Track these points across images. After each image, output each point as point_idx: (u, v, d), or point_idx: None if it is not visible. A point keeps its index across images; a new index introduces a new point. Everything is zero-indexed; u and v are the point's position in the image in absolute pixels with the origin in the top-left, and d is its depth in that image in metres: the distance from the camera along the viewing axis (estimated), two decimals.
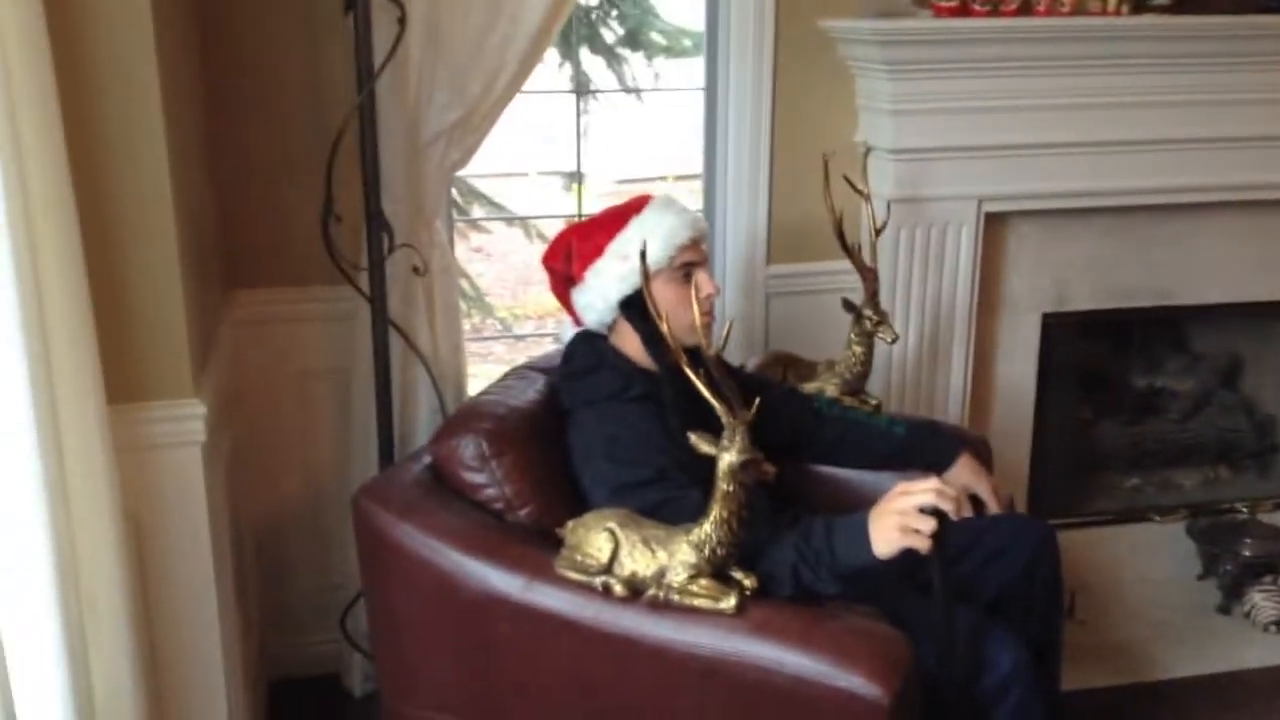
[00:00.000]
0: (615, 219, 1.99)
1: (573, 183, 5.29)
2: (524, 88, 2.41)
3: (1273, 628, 2.88)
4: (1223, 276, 3.01)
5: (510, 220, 5.22)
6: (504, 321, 5.56)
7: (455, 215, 4.41)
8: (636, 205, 2.00)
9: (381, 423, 2.36)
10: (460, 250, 5.66)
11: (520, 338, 5.29)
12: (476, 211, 5.01)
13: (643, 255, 1.69)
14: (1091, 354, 3.18)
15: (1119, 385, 3.26)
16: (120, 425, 1.70)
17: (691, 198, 2.89)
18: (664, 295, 1.89)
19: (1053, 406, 3.06)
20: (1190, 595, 3.07)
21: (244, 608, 2.35)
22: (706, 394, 1.59)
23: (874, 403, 2.46)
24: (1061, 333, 3.01)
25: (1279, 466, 3.37)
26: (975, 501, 2.16)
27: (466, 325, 4.99)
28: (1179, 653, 2.83)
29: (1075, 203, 2.82)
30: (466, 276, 5.12)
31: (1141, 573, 3.14)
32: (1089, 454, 3.26)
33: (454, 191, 4.65)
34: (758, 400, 1.59)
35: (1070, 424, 3.18)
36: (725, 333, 1.65)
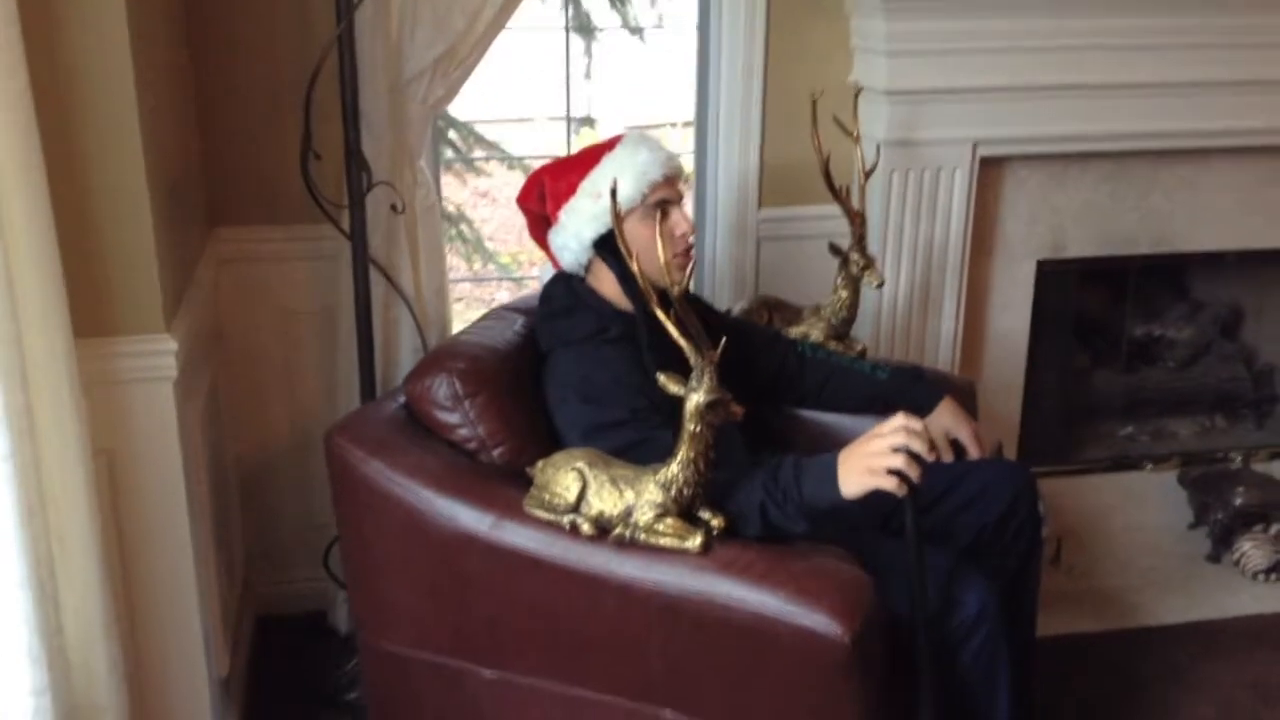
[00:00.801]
0: (587, 157, 1.96)
1: (582, 127, 5.25)
2: (522, 26, 2.36)
3: (1261, 576, 2.88)
4: (1224, 224, 2.97)
5: (511, 164, 5.18)
6: (506, 267, 5.53)
7: (452, 154, 4.39)
8: (611, 144, 1.97)
9: (363, 362, 2.35)
10: (465, 195, 5.64)
11: (520, 280, 5.26)
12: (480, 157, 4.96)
13: (613, 193, 1.66)
14: (1088, 302, 3.15)
15: (1116, 333, 3.23)
16: (89, 359, 1.70)
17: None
18: (638, 234, 1.87)
19: (1047, 354, 3.04)
20: (1180, 544, 3.06)
21: (226, 545, 2.37)
22: (674, 334, 1.58)
23: (859, 348, 2.44)
24: (1057, 280, 2.98)
25: (1276, 416, 3.34)
26: (956, 446, 2.14)
27: (466, 269, 4.98)
28: (1166, 600, 2.83)
29: (1074, 147, 2.77)
30: (466, 220, 5.10)
31: (1132, 521, 3.12)
32: (1083, 402, 3.25)
33: (454, 135, 4.63)
34: (724, 340, 1.58)
35: (1065, 372, 3.16)
36: (688, 272, 1.63)
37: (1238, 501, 2.97)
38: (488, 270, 5.21)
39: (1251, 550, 2.89)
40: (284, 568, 2.70)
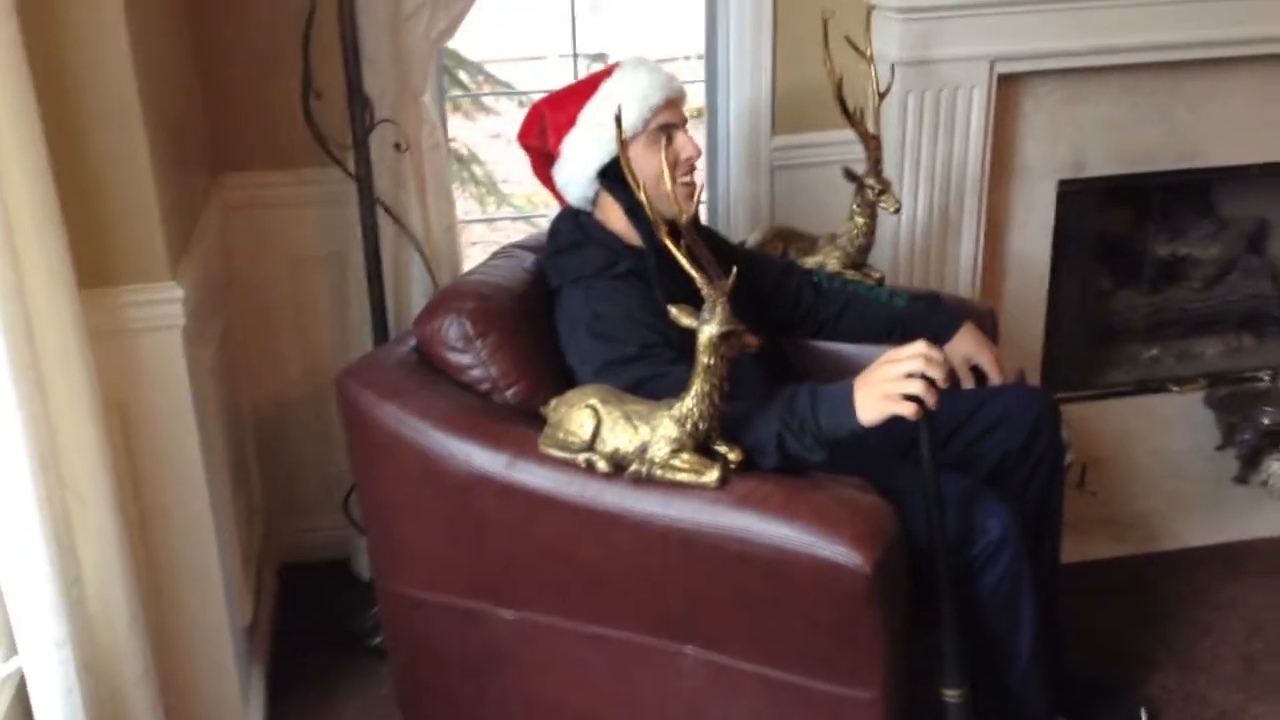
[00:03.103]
0: (586, 86, 1.91)
1: (593, 63, 5.18)
2: None
3: None
4: (1249, 136, 2.89)
5: (522, 103, 5.11)
6: (521, 209, 5.49)
7: (459, 92, 4.32)
8: (609, 71, 1.92)
9: (374, 305, 2.33)
10: (477, 136, 5.58)
11: (531, 219, 5.21)
12: (491, 97, 4.89)
13: (618, 120, 1.62)
14: (1110, 222, 3.08)
15: (1139, 253, 3.16)
16: (95, 310, 1.68)
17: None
18: (643, 161, 1.82)
19: (1069, 277, 2.99)
20: (1207, 466, 3.03)
21: (244, 493, 2.37)
22: (685, 264, 1.54)
23: (877, 276, 2.40)
24: (1079, 200, 2.92)
25: None
26: (977, 373, 2.11)
27: (480, 211, 4.93)
28: (1192, 523, 2.80)
29: (1093, 61, 2.69)
30: (479, 161, 5.04)
31: (1158, 444, 3.09)
32: (1107, 325, 3.19)
33: (465, 76, 4.56)
34: (735, 270, 1.54)
35: (1087, 294, 3.11)
36: (695, 199, 1.58)
37: (1266, 421, 2.93)
38: (501, 213, 5.16)
39: None
40: (305, 515, 2.71)
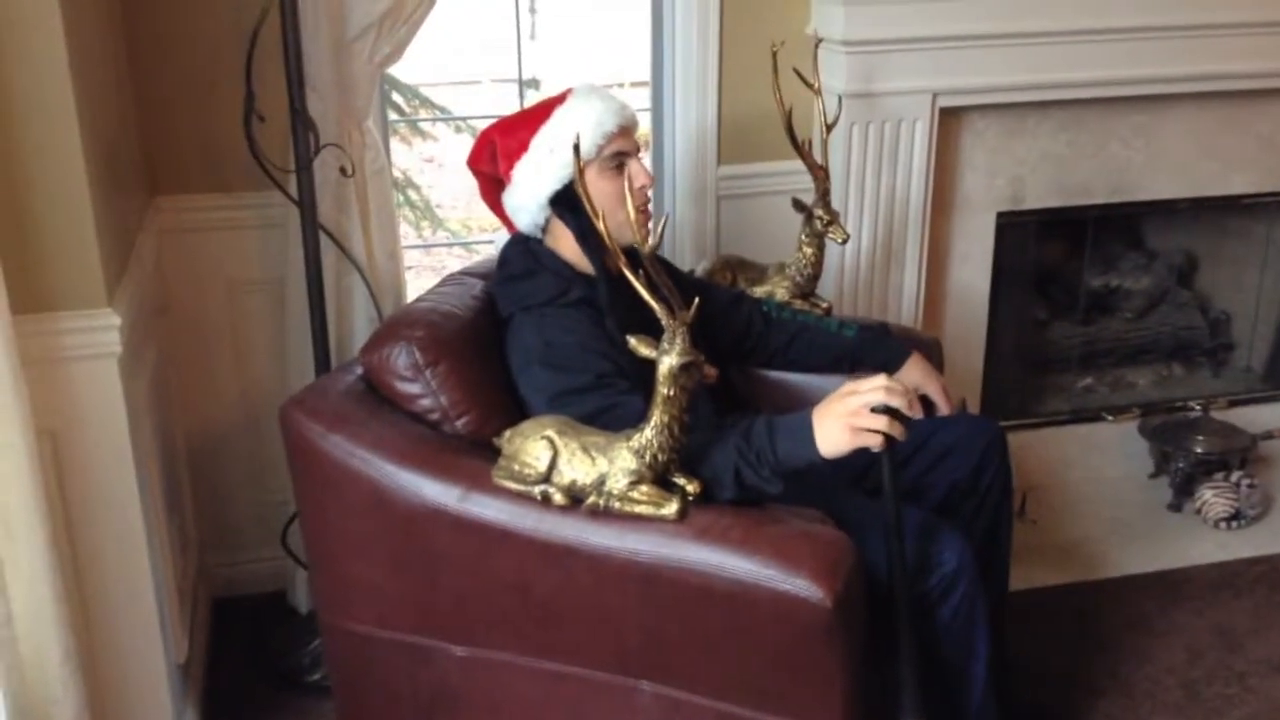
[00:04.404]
0: (538, 112, 1.89)
1: (527, 89, 5.17)
2: None
3: (1223, 524, 2.90)
4: (1180, 171, 2.96)
5: (459, 128, 5.09)
6: (456, 234, 5.44)
7: (395, 116, 4.28)
8: (561, 97, 1.90)
9: (316, 333, 2.28)
10: (411, 160, 5.52)
11: (468, 245, 5.16)
12: (428, 122, 4.86)
13: (576, 148, 1.60)
14: (1047, 253, 3.14)
15: (1074, 285, 3.22)
16: (29, 337, 1.61)
17: (648, 103, 2.78)
18: (597, 189, 1.81)
19: (1007, 307, 3.03)
20: (1142, 493, 3.08)
21: (178, 525, 2.29)
22: (645, 295, 1.53)
23: (825, 305, 2.41)
24: (1016, 232, 2.96)
25: (1233, 363, 3.37)
26: (925, 402, 2.12)
27: (415, 236, 4.88)
28: (1129, 550, 2.84)
29: (1031, 96, 2.74)
30: (414, 186, 4.99)
31: (1094, 472, 3.14)
32: (1043, 354, 3.24)
33: (400, 98, 4.52)
34: (696, 300, 1.53)
35: (1025, 324, 3.15)
36: (660, 228, 1.57)
37: (1198, 450, 2.99)
38: (438, 237, 5.11)
39: (1213, 498, 2.91)
40: (239, 547, 2.63)
